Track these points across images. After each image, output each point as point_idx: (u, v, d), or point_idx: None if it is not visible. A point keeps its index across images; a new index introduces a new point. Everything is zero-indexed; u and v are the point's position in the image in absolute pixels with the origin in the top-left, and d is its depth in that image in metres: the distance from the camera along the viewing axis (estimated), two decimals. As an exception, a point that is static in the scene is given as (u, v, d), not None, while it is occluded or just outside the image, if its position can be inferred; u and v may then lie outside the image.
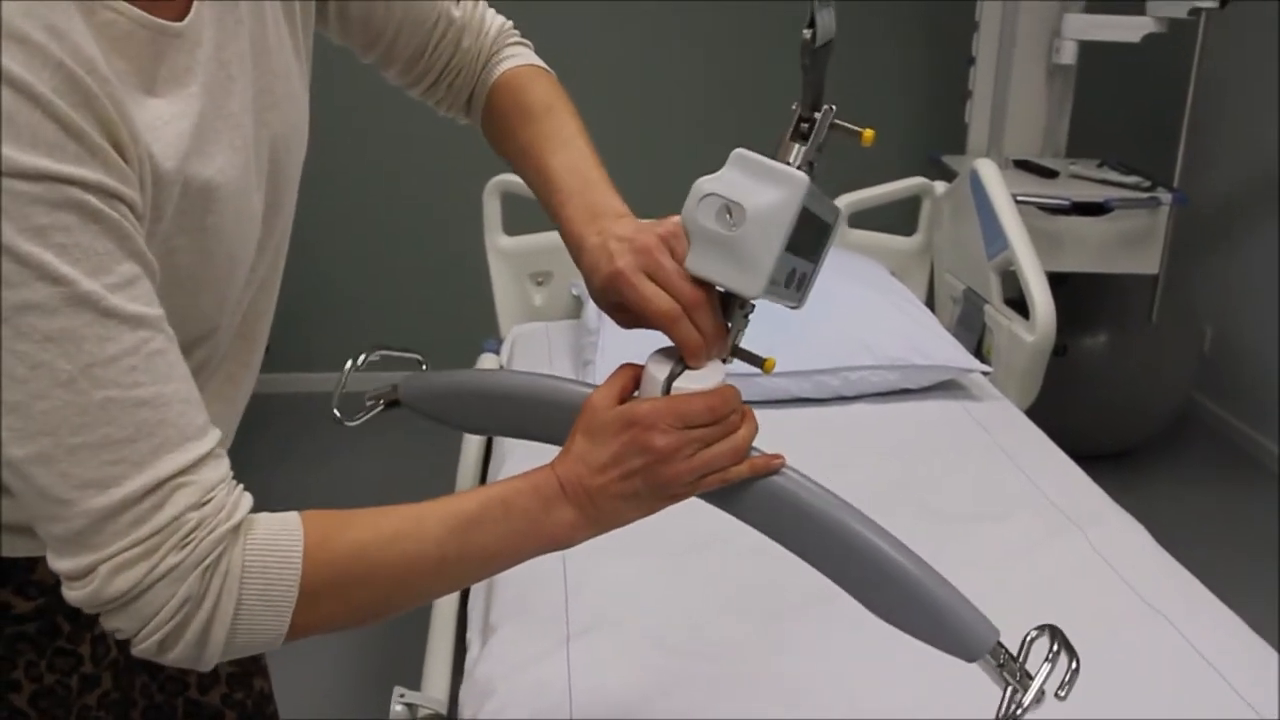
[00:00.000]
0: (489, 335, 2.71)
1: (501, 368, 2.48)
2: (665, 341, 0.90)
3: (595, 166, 1.01)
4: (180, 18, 0.76)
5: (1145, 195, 3.05)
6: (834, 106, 0.86)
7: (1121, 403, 3.32)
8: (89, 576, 0.71)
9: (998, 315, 2.52)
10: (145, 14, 0.72)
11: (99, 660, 0.97)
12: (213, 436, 0.75)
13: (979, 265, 2.61)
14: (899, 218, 3.01)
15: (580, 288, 2.62)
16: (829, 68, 0.86)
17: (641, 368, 0.90)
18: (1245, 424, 3.65)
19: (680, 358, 0.88)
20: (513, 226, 2.69)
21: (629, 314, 0.90)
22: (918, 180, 2.90)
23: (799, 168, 0.85)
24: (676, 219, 0.87)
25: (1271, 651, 1.43)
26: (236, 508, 0.75)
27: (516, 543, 0.86)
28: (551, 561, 1.59)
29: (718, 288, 0.87)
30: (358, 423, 1.14)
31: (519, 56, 1.12)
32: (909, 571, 0.93)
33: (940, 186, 2.87)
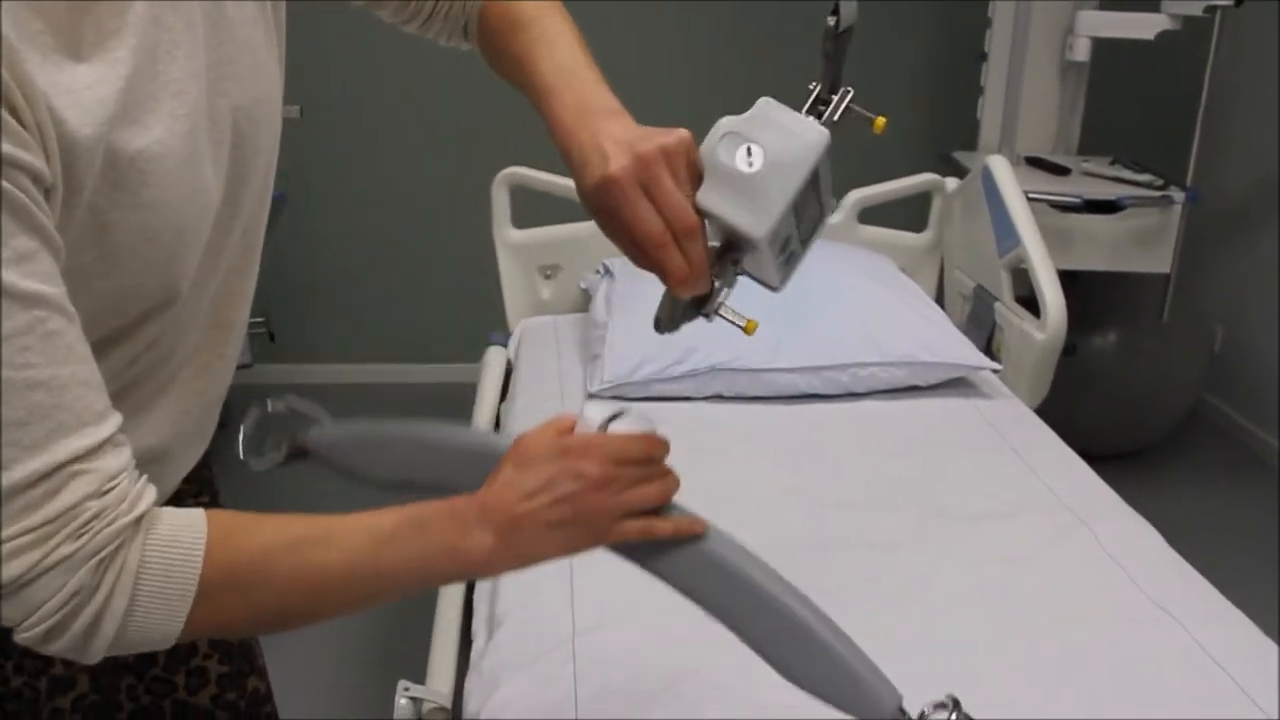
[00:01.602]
0: (496, 328, 2.71)
1: (508, 359, 2.48)
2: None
3: (585, 65, 0.97)
4: None
5: (1157, 194, 3.03)
6: (851, 89, 0.88)
7: (1131, 402, 3.31)
8: None
9: (1008, 313, 2.51)
10: None
11: (70, 661, 0.93)
12: (113, 422, 0.72)
13: (990, 262, 2.59)
14: (910, 214, 3.00)
15: (589, 281, 2.61)
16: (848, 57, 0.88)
17: (574, 419, 0.90)
18: (1255, 424, 3.64)
19: (613, 414, 0.88)
20: (521, 219, 2.69)
21: (615, 225, 0.87)
22: (929, 176, 2.89)
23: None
24: (682, 132, 0.85)
25: (1279, 651, 1.42)
26: (139, 499, 0.73)
27: (429, 564, 0.84)
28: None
29: (720, 229, 0.87)
30: (265, 468, 1.07)
31: None
32: (819, 634, 0.94)
33: (951, 183, 2.86)
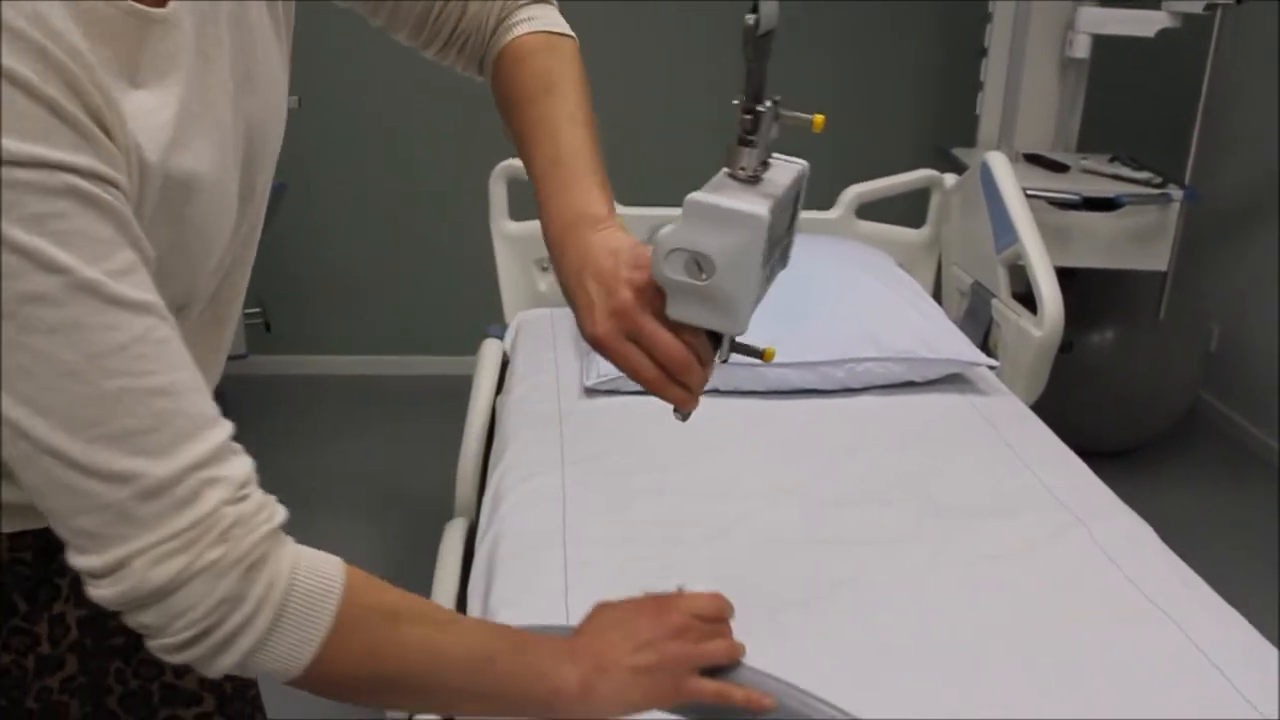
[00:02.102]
0: (493, 321, 2.70)
1: (504, 352, 2.48)
2: None
3: (580, 156, 0.98)
4: (161, 3, 0.74)
5: (1156, 192, 3.03)
6: (778, 98, 0.84)
7: (1128, 400, 3.31)
8: (120, 572, 0.69)
9: (1005, 309, 2.51)
10: (134, 3, 0.70)
11: (57, 641, 0.95)
12: (226, 426, 0.73)
13: (987, 259, 2.59)
14: (907, 210, 3.00)
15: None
16: (770, 58, 0.84)
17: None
18: (1251, 423, 3.64)
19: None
20: (519, 211, 2.68)
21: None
22: (927, 172, 2.89)
23: (754, 172, 0.85)
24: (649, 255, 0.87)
25: (1275, 651, 1.42)
26: (275, 511, 0.74)
27: (520, 682, 0.87)
28: (553, 549, 1.59)
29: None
30: None
31: (533, 20, 1.07)
32: None
33: (950, 179, 2.86)
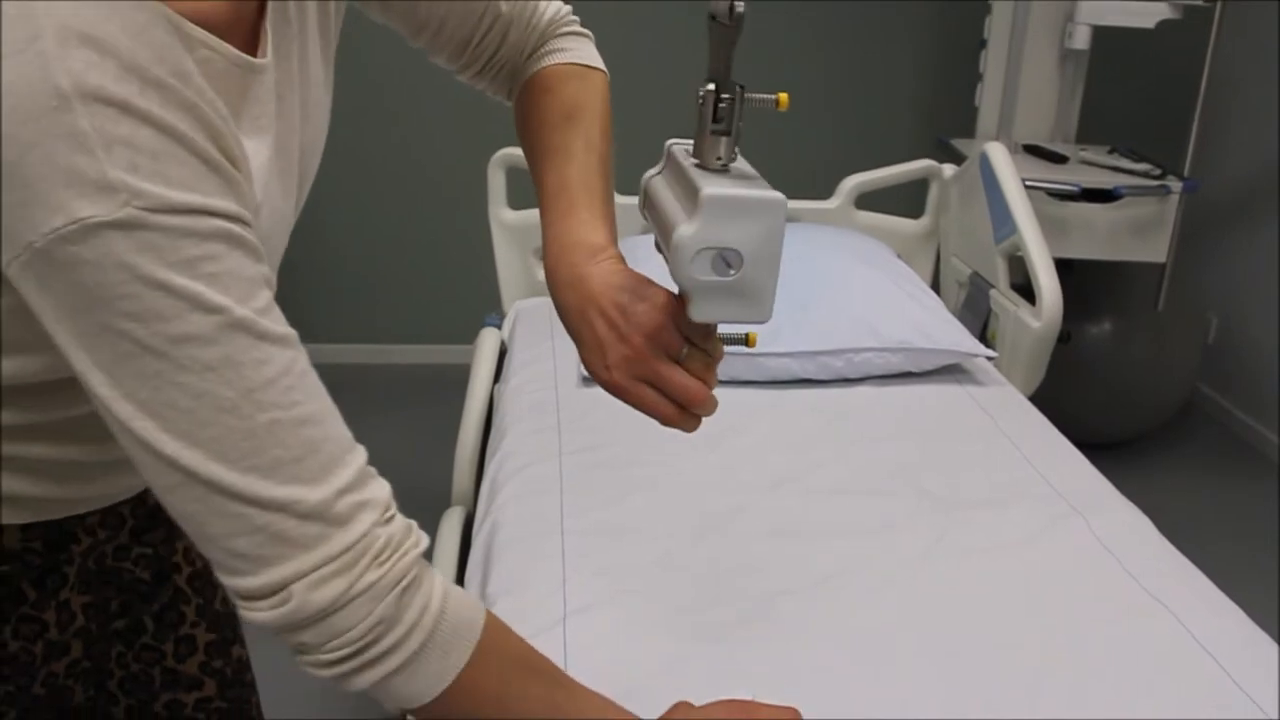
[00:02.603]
0: (491, 309, 2.70)
1: (502, 341, 2.47)
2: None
3: (587, 185, 0.99)
4: (249, 49, 0.77)
5: (1155, 183, 3.03)
6: (743, 85, 0.83)
7: (1125, 391, 3.31)
8: (280, 595, 0.71)
9: (1004, 300, 2.51)
10: (236, 51, 0.73)
11: (65, 627, 0.96)
12: (363, 450, 0.76)
13: (986, 249, 2.59)
14: (906, 200, 3.00)
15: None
16: (743, 43, 0.84)
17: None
18: (1248, 415, 3.64)
19: None
20: (517, 200, 2.68)
21: None
22: (926, 163, 2.88)
23: (733, 160, 0.84)
24: (660, 296, 0.88)
25: (1272, 644, 1.42)
26: (421, 536, 0.77)
27: None
28: (550, 537, 1.59)
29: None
30: None
31: (565, 51, 1.08)
32: None
33: (949, 169, 2.85)
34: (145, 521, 1.06)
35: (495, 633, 0.81)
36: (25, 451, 0.85)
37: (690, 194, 0.83)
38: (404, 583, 0.74)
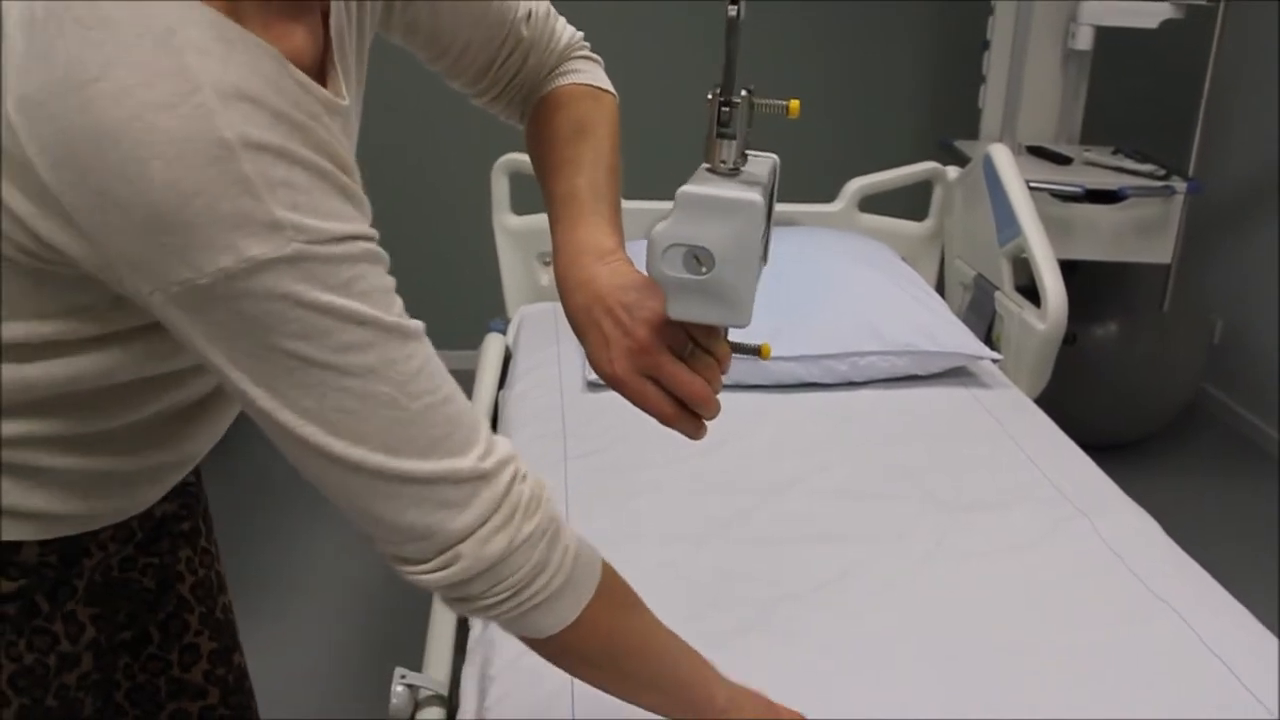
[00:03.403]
0: (495, 315, 2.70)
1: (506, 346, 2.47)
2: None
3: (595, 193, 1.01)
4: (319, 82, 0.79)
5: (1159, 184, 3.02)
6: (752, 88, 0.83)
7: (1131, 393, 3.31)
8: (449, 554, 0.78)
9: (1008, 302, 2.50)
10: (327, 94, 0.76)
11: (74, 639, 0.97)
12: (484, 416, 0.80)
13: (990, 251, 2.59)
14: (910, 202, 2.99)
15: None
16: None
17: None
18: (1254, 415, 3.63)
19: None
20: (521, 206, 2.68)
21: None
22: (930, 165, 2.88)
23: (734, 165, 0.85)
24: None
25: (1278, 645, 1.42)
26: (548, 489, 0.84)
27: (684, 692, 0.99)
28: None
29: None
30: None
31: (578, 73, 1.10)
32: None
33: (952, 171, 2.85)
34: (151, 533, 1.07)
35: (610, 574, 0.89)
36: (58, 463, 0.86)
37: None
38: (551, 530, 0.82)
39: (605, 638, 0.90)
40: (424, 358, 0.77)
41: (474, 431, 0.79)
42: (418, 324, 0.78)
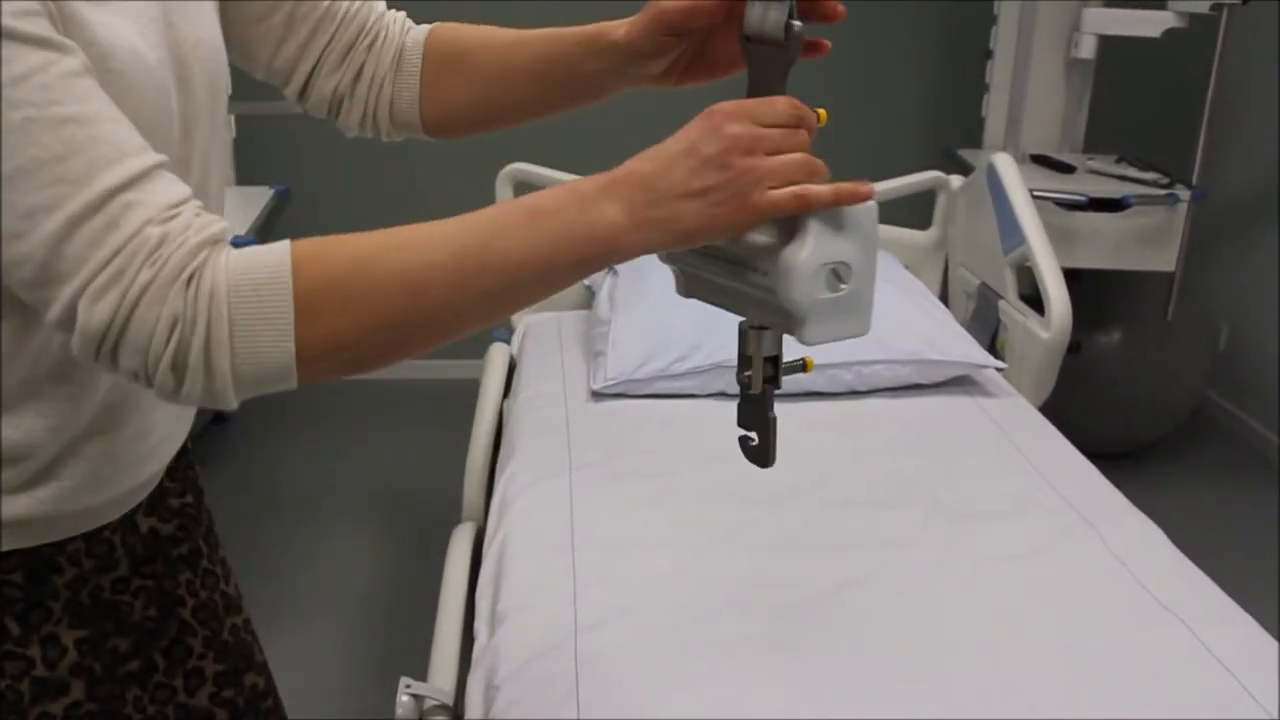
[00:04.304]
0: (500, 325, 2.70)
1: (511, 356, 2.47)
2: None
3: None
4: None
5: (1163, 192, 3.02)
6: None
7: (1136, 400, 3.30)
8: (71, 318, 0.68)
9: (1013, 311, 2.50)
10: None
11: (53, 664, 0.92)
12: (155, 156, 0.72)
13: (994, 260, 2.59)
14: (914, 211, 2.99)
15: (593, 278, 2.61)
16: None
17: None
18: (1259, 423, 3.63)
19: None
20: (525, 216, 2.68)
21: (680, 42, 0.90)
22: (933, 174, 2.88)
23: None
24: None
25: (1286, 654, 1.42)
26: (208, 224, 0.72)
27: (548, 247, 0.76)
28: (561, 553, 1.58)
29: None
30: None
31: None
32: None
33: (956, 180, 2.85)
34: (142, 551, 1.03)
35: (311, 264, 0.73)
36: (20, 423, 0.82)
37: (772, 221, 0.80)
38: (184, 276, 0.69)
39: (354, 317, 0.74)
40: (35, 65, 0.66)
41: (106, 164, 0.68)
42: (41, 31, 0.67)
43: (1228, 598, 1.54)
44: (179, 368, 0.70)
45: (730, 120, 0.77)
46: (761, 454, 0.91)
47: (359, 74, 1.03)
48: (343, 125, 1.07)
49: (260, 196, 3.09)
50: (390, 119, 1.06)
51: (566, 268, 0.77)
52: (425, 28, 1.05)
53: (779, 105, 0.79)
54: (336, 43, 1.02)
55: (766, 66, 0.83)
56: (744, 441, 0.92)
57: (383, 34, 1.03)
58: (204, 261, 0.70)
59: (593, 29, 0.94)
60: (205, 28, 0.89)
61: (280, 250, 0.73)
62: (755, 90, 0.82)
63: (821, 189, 0.78)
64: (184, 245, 0.69)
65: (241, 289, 0.71)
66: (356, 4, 1.02)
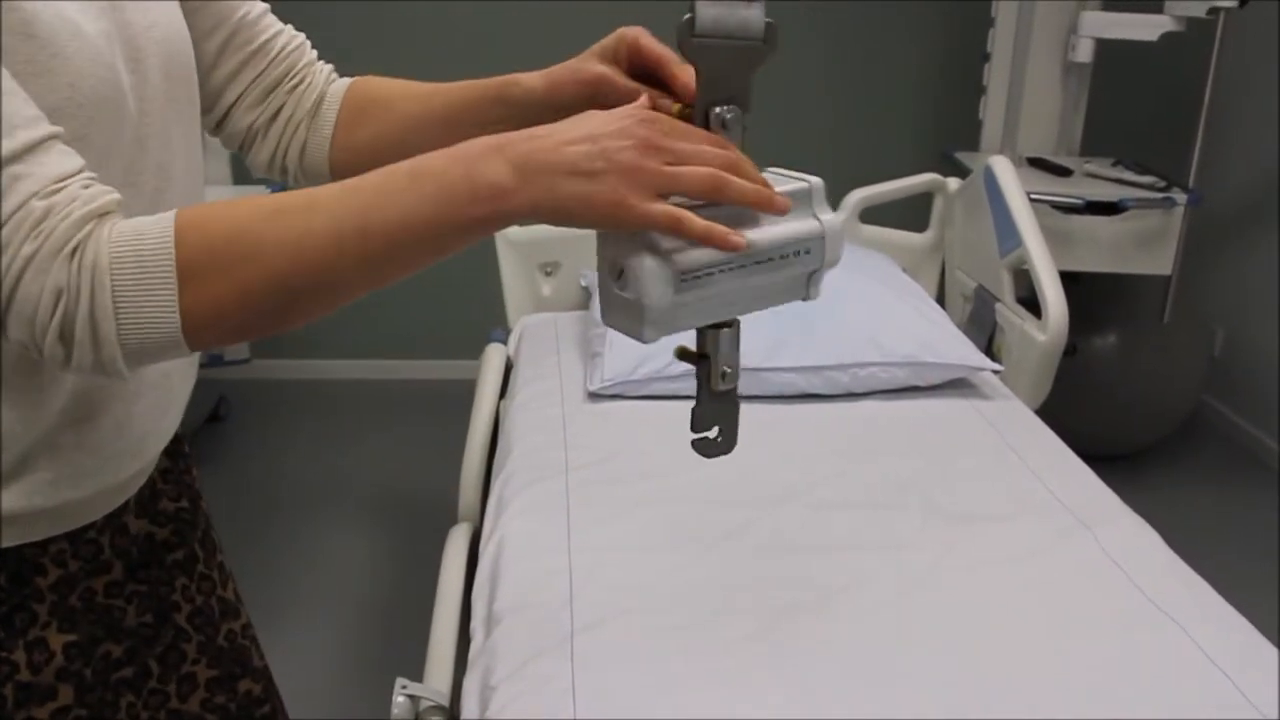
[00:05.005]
0: (497, 325, 2.70)
1: (508, 357, 2.47)
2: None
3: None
4: None
5: (1160, 195, 3.03)
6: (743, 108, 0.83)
7: (1132, 404, 3.31)
8: None
9: (1009, 314, 2.51)
10: None
11: (38, 668, 0.91)
12: (48, 128, 0.71)
13: (991, 263, 2.59)
14: (911, 214, 3.00)
15: (590, 278, 2.61)
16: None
17: None
18: (1255, 426, 3.63)
19: None
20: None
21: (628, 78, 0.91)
22: (930, 176, 2.89)
23: None
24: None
25: (1279, 656, 1.42)
26: (96, 197, 0.71)
27: (429, 209, 0.74)
28: (557, 554, 1.58)
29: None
30: None
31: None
32: None
33: (953, 183, 2.86)
34: (137, 555, 1.03)
35: (195, 232, 0.72)
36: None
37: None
38: (68, 248, 0.69)
39: (239, 285, 0.73)
40: None
41: None
42: None
43: (1223, 600, 1.54)
44: (66, 339, 0.71)
45: (643, 123, 0.75)
46: (727, 445, 0.92)
47: (276, 114, 1.05)
48: (250, 163, 1.08)
49: (258, 196, 3.08)
50: (300, 164, 1.06)
51: (450, 229, 0.75)
52: (348, 81, 1.07)
53: (702, 131, 0.79)
54: (264, 79, 1.03)
55: (726, 64, 0.80)
56: (701, 444, 0.92)
57: (308, 79, 1.05)
58: (88, 234, 0.70)
59: (507, 79, 0.96)
60: (161, 13, 0.89)
61: (164, 220, 0.73)
62: (709, 88, 0.81)
63: (695, 221, 0.75)
64: (69, 218, 0.69)
65: (125, 259, 0.71)
66: (290, 46, 1.04)
